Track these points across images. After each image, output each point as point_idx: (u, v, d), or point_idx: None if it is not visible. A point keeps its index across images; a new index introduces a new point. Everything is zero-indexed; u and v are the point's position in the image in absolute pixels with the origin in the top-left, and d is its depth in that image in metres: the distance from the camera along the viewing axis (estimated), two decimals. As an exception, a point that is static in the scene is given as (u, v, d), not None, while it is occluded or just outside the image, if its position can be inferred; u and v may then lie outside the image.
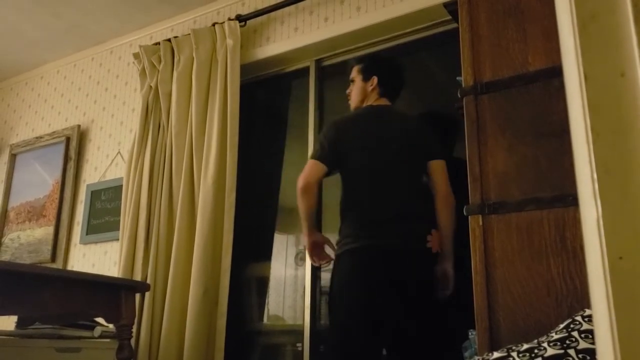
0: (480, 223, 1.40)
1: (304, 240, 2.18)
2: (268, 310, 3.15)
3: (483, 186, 1.43)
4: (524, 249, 1.36)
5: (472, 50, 1.53)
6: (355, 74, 2.34)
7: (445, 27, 2.67)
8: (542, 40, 1.43)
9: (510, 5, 1.50)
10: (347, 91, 2.37)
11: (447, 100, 2.17)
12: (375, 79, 2.27)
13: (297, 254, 3.05)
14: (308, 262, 2.84)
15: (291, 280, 3.03)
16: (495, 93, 1.47)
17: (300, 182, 2.11)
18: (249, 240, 3.09)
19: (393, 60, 2.44)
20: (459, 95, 1.56)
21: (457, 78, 1.60)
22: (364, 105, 2.29)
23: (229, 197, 2.88)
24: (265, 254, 3.15)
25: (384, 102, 2.27)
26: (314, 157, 2.18)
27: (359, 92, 2.30)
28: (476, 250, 1.39)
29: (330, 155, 2.14)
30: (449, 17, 2.15)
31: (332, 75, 3.14)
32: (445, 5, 1.83)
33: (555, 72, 1.30)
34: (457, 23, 1.66)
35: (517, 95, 1.46)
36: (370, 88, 2.27)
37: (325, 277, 3.18)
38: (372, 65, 2.34)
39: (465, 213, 1.47)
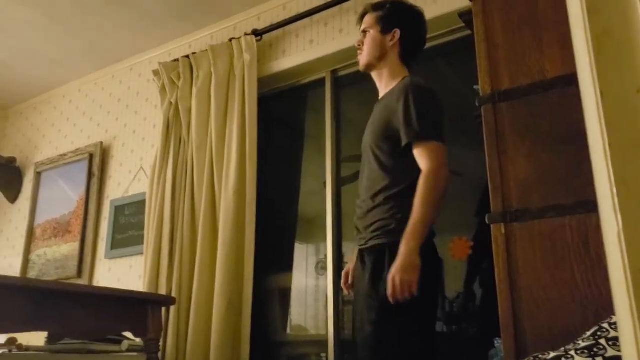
0: (503, 231, 1.41)
1: (414, 260, 1.61)
2: (291, 320, 3.17)
3: (504, 194, 1.43)
4: (547, 257, 1.36)
5: (489, 59, 1.54)
6: (370, 22, 1.93)
7: (462, 34, 2.68)
8: (559, 48, 1.43)
9: (526, 13, 1.51)
10: (356, 43, 1.98)
11: (465, 108, 2.17)
12: (397, 32, 1.89)
13: (317, 263, 3.07)
14: (329, 272, 2.86)
15: (312, 290, 3.04)
16: (513, 101, 1.48)
17: (445, 171, 1.69)
18: (270, 251, 3.11)
19: (418, 12, 1.99)
20: (477, 104, 1.57)
21: (475, 87, 1.62)
22: (387, 67, 1.89)
23: (249, 207, 2.92)
24: (286, 264, 3.17)
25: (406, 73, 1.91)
26: (436, 138, 1.72)
27: (376, 46, 1.90)
28: (499, 258, 1.39)
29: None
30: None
31: (348, 85, 3.17)
32: (460, 15, 1.85)
33: (573, 79, 1.30)
34: (473, 32, 1.67)
35: (535, 103, 1.46)
36: (391, 43, 1.89)
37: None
38: (394, 14, 1.92)
39: (487, 222, 1.48)
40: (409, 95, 1.76)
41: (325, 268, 2.94)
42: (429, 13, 2.68)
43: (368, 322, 1.70)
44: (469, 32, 1.92)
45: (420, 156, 1.71)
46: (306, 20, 3.14)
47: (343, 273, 2.05)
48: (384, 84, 1.94)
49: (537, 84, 1.46)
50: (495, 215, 1.45)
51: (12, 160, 4.34)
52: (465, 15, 1.79)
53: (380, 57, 1.90)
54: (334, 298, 2.81)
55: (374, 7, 1.97)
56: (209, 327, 2.79)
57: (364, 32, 1.95)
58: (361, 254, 1.84)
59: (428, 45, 2.83)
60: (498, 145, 1.47)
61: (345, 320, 2.81)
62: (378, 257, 1.73)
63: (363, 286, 1.76)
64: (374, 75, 1.97)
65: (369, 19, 1.95)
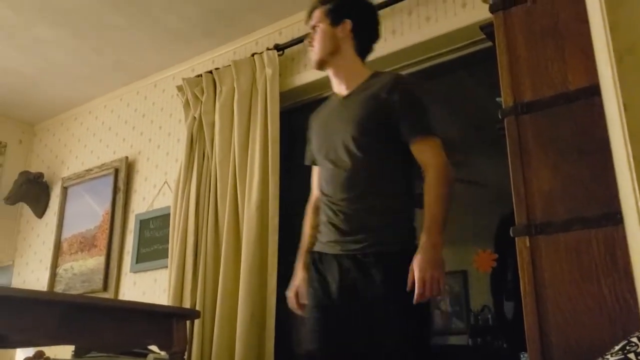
0: (528, 244, 1.40)
1: (440, 256, 1.61)
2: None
3: (528, 207, 1.43)
4: (573, 269, 1.35)
5: (511, 71, 1.54)
6: (319, 17, 1.86)
7: (484, 45, 2.67)
8: (582, 59, 1.43)
9: (547, 25, 1.51)
10: (306, 41, 1.92)
11: (487, 119, 2.16)
12: (348, 23, 1.83)
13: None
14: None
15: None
16: (536, 113, 1.47)
17: (449, 168, 1.69)
18: (293, 264, 3.11)
19: (368, 1, 1.96)
20: (500, 116, 1.57)
21: (497, 99, 1.61)
22: (342, 61, 1.83)
23: (272, 220, 2.93)
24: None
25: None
26: (435, 133, 1.72)
27: (327, 39, 1.82)
28: (524, 271, 1.38)
29: None
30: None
31: (370, 97, 3.17)
32: (481, 27, 1.85)
33: (596, 90, 1.29)
34: (494, 44, 1.67)
35: (558, 114, 1.45)
36: (342, 35, 1.83)
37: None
38: (343, 5, 1.87)
39: (511, 234, 1.47)
40: (409, 89, 1.77)
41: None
42: (451, 25, 2.70)
43: (395, 330, 1.59)
44: (490, 43, 1.92)
45: (426, 151, 1.70)
46: (327, 35, 3.16)
47: (291, 293, 1.89)
48: (345, 80, 1.86)
49: (559, 96, 1.45)
50: (520, 228, 1.44)
51: (39, 175, 4.44)
52: (486, 28, 1.79)
53: (333, 52, 1.83)
54: (357, 311, 2.80)
55: (322, 1, 1.90)
56: (233, 340, 2.80)
57: (314, 27, 1.88)
58: (342, 259, 1.70)
59: (449, 57, 2.88)
60: (521, 157, 1.46)
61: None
62: (393, 264, 1.63)
63: (369, 293, 1.63)
64: (330, 72, 1.90)
65: (317, 13, 1.88)
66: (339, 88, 1.89)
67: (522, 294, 1.39)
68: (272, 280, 2.84)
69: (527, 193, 1.44)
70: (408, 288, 1.56)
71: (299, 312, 1.86)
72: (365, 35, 1.88)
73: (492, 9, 1.63)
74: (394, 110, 1.72)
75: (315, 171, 1.97)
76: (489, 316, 4.50)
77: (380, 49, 2.92)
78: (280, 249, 2.90)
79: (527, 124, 1.48)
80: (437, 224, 1.61)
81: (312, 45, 1.87)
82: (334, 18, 1.84)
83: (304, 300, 1.82)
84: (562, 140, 1.44)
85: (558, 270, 1.38)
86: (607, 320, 1.30)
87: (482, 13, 2.51)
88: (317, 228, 1.88)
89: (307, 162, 2.02)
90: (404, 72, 3.01)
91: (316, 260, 1.80)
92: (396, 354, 1.59)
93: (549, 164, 1.44)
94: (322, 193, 1.83)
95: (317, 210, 1.91)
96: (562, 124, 1.46)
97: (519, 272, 1.40)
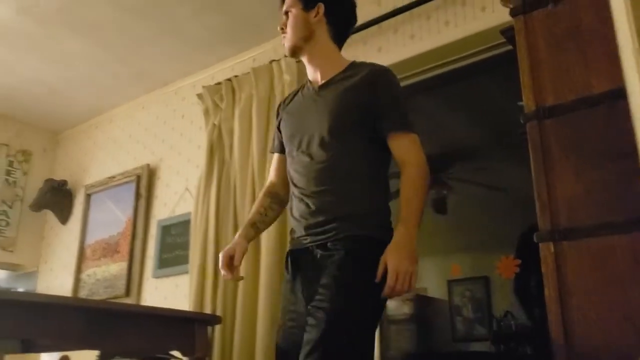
0: (552, 250, 1.38)
1: (415, 249, 1.54)
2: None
3: (552, 212, 1.41)
4: (598, 276, 1.33)
5: (532, 75, 1.52)
6: (291, 2, 1.79)
7: (504, 49, 2.66)
8: (605, 62, 1.41)
9: (569, 28, 1.50)
10: (279, 27, 1.83)
11: (508, 123, 2.14)
12: (321, 7, 1.76)
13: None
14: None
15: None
16: (558, 117, 1.46)
17: (427, 166, 1.66)
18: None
19: None
20: (522, 121, 1.55)
21: (519, 103, 1.60)
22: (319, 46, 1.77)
23: (292, 227, 2.94)
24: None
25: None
26: (413, 129, 1.70)
27: (300, 24, 1.76)
28: (549, 278, 1.37)
29: None
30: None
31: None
32: (502, 31, 1.84)
33: (620, 94, 1.28)
34: (515, 48, 1.66)
35: (581, 119, 1.44)
36: (316, 19, 1.76)
37: (391, 305, 3.16)
38: None
39: (535, 240, 1.45)
40: (389, 81, 1.73)
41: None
42: (470, 29, 2.69)
43: (334, 311, 1.47)
44: (510, 46, 1.90)
45: (406, 147, 1.66)
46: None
47: (223, 253, 1.80)
48: (321, 68, 1.79)
49: (583, 100, 1.44)
50: (544, 234, 1.42)
51: (63, 183, 4.51)
52: (507, 32, 1.78)
53: (306, 38, 1.76)
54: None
55: None
56: (254, 345, 2.81)
57: (286, 13, 1.80)
58: (314, 250, 1.64)
59: (468, 61, 2.87)
60: (544, 162, 1.45)
61: (391, 340, 2.78)
62: (356, 246, 1.56)
63: (330, 276, 1.54)
64: (305, 60, 1.82)
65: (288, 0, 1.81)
66: (314, 76, 1.82)
67: (546, 301, 1.38)
68: (293, 286, 2.84)
69: (550, 198, 1.42)
70: (377, 279, 1.50)
71: (227, 275, 1.79)
72: (341, 20, 1.81)
73: (513, 13, 1.62)
74: (374, 104, 1.68)
75: (276, 159, 1.94)
76: (512, 322, 4.46)
77: (399, 53, 2.94)
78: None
79: (550, 129, 1.47)
80: (416, 217, 1.57)
81: (284, 32, 1.80)
82: (307, 2, 1.77)
83: (238, 262, 1.79)
84: (585, 144, 1.43)
85: (583, 277, 1.36)
86: (632, 328, 1.28)
87: (502, 16, 2.49)
88: (267, 208, 1.90)
89: (273, 151, 1.96)
90: (422, 77, 3.01)
91: (288, 262, 1.76)
92: (326, 339, 1.45)
93: (573, 168, 1.42)
94: (294, 185, 1.75)
95: (270, 194, 1.92)
96: (585, 128, 1.44)
97: (544, 278, 1.39)
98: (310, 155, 1.71)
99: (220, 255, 1.81)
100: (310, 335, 1.47)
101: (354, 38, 3.15)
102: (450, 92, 3.06)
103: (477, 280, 5.19)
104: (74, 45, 3.64)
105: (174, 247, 3.66)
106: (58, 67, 3.91)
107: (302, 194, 1.71)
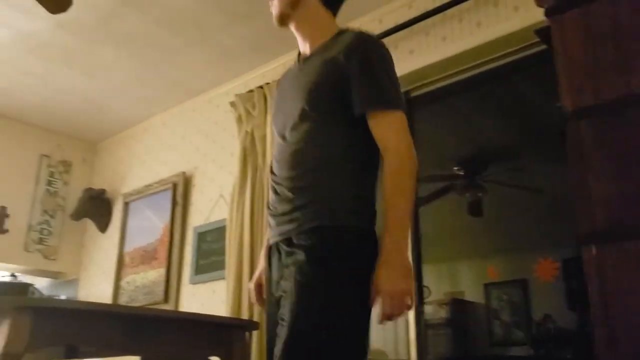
0: (594, 252, 1.35)
1: (407, 262, 1.33)
2: (370, 344, 3.14)
3: (593, 214, 1.38)
4: (644, 279, 1.29)
5: (570, 75, 1.50)
6: None
7: (538, 48, 2.61)
8: (645, 60, 1.38)
9: (607, 26, 1.46)
10: None
11: (545, 123, 2.11)
12: None
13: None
14: (410, 295, 2.82)
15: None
16: (597, 118, 1.43)
17: (413, 153, 1.41)
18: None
19: None
20: (560, 122, 1.53)
21: (557, 104, 1.58)
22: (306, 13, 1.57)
23: (327, 233, 2.94)
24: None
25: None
26: (398, 106, 1.44)
27: None
28: (591, 281, 1.34)
29: None
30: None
31: (422, 105, 3.16)
32: (536, 32, 1.81)
33: (663, 92, 1.25)
34: (550, 48, 1.63)
35: (621, 118, 1.40)
36: None
37: (428, 310, 3.13)
38: None
39: (577, 242, 1.43)
40: (368, 51, 1.47)
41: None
42: (503, 30, 2.66)
43: (309, 318, 1.29)
44: (544, 46, 1.87)
45: (382, 128, 1.41)
46: (376, 45, 3.16)
47: (251, 284, 1.67)
48: (310, 37, 1.60)
49: (622, 99, 1.40)
50: (585, 236, 1.39)
51: (102, 192, 4.62)
52: (542, 32, 1.75)
53: (294, 4, 1.56)
54: (416, 321, 2.77)
55: None
56: (291, 351, 2.82)
57: None
58: (280, 245, 1.46)
59: (502, 61, 2.83)
60: (584, 163, 1.42)
61: (429, 344, 2.76)
62: (323, 241, 1.35)
63: (292, 277, 1.35)
64: (293, 29, 1.64)
65: None
66: (304, 47, 1.63)
67: (591, 305, 1.35)
68: (328, 291, 2.84)
69: (590, 200, 1.39)
70: (371, 303, 1.30)
71: (260, 305, 1.67)
72: None
73: (548, 13, 1.59)
74: (351, 76, 1.43)
75: None
76: (552, 326, 4.37)
77: (431, 56, 2.92)
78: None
79: (589, 129, 1.44)
80: (400, 222, 1.32)
81: (271, 1, 1.61)
82: None
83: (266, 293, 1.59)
84: (626, 145, 1.39)
85: (626, 280, 1.33)
86: (682, 332, 1.24)
87: (536, 15, 2.46)
88: None
89: None
90: (456, 79, 2.98)
91: (269, 255, 1.55)
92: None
93: (613, 169, 1.39)
94: (271, 172, 1.57)
95: None
96: (625, 128, 1.41)
97: (586, 281, 1.36)
98: (284, 138, 1.53)
99: (250, 288, 1.70)
100: (275, 350, 1.34)
101: (385, 41, 3.15)
102: (484, 94, 3.03)
103: (514, 283, 5.10)
104: (109, 57, 3.73)
105: (209, 253, 3.70)
106: (95, 79, 4.01)
107: (274, 181, 1.52)
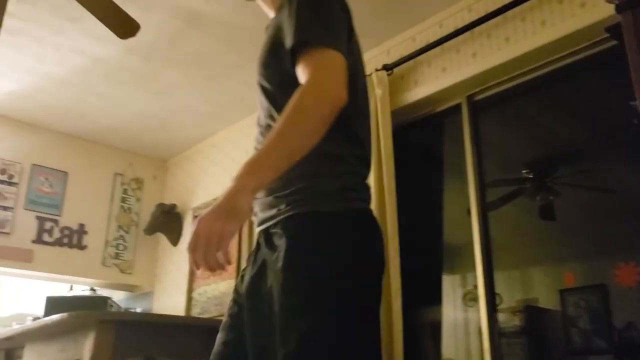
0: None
1: (238, 201, 1.07)
2: (442, 355, 3.09)
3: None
4: None
5: (644, 72, 1.43)
6: None
7: (607, 45, 2.51)
8: None
9: (684, 19, 1.39)
10: None
11: (618, 122, 2.02)
12: None
13: (464, 295, 2.98)
14: (481, 303, 2.76)
15: (461, 322, 2.96)
16: (677, 115, 1.36)
17: (337, 88, 1.10)
18: (417, 284, 3.08)
19: None
20: (636, 122, 1.46)
21: (631, 103, 1.51)
22: None
23: (392, 242, 2.92)
24: (434, 296, 3.11)
25: None
26: (332, 43, 1.15)
27: None
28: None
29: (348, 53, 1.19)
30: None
31: (486, 108, 3.09)
32: (607, 29, 1.74)
33: None
34: (621, 44, 1.57)
35: None
36: None
37: (500, 318, 3.04)
38: None
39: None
40: None
41: (474, 299, 2.85)
42: (569, 27, 2.56)
43: (293, 322, 1.09)
44: (613, 42, 1.80)
45: (305, 68, 1.12)
46: (437, 49, 3.13)
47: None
48: (272, 6, 1.44)
49: None
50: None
51: (173, 206, 4.78)
52: (612, 29, 1.68)
53: None
54: (489, 330, 2.70)
55: None
56: None
57: None
58: (259, 238, 1.30)
59: (572, 59, 2.72)
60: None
61: (503, 353, 2.68)
62: (301, 231, 1.16)
63: (277, 273, 1.16)
64: (260, 1, 1.48)
65: None
66: (269, 19, 1.47)
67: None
68: (397, 302, 2.81)
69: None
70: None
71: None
72: None
73: (619, 9, 1.53)
74: (284, 29, 1.22)
75: None
76: (636, 334, 4.13)
77: (495, 57, 2.85)
78: (403, 269, 2.88)
79: (669, 127, 1.37)
80: (255, 160, 1.09)
81: None
82: None
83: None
84: None
85: None
86: None
87: (603, 11, 2.37)
88: None
89: None
90: (522, 80, 2.90)
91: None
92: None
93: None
94: None
95: None
96: None
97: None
98: (258, 120, 1.38)
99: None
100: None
101: (445, 47, 3.11)
102: (551, 94, 2.93)
103: (592, 289, 4.86)
104: (176, 77, 3.87)
105: (277, 264, 3.75)
106: (163, 99, 4.17)
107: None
